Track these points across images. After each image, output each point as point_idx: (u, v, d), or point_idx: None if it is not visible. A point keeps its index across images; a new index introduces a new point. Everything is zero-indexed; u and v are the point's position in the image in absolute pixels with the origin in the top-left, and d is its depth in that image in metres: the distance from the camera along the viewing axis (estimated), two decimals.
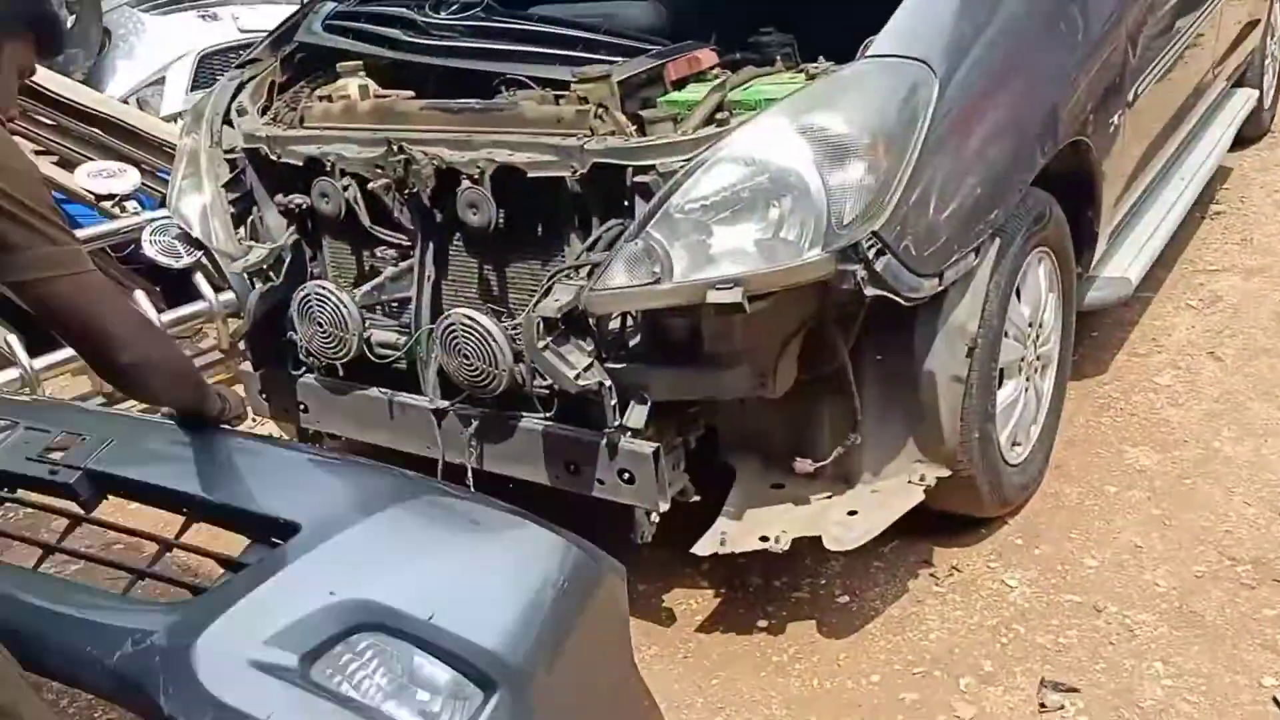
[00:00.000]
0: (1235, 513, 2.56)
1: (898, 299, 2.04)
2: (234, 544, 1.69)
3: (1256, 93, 4.39)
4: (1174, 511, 2.58)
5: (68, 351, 3.54)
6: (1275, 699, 2.06)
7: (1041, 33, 2.46)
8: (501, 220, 2.31)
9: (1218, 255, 3.79)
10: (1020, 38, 2.36)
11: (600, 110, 2.25)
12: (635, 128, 2.29)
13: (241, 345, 2.83)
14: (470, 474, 2.38)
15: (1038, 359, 2.63)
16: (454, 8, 2.78)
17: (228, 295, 3.47)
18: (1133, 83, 2.80)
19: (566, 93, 2.34)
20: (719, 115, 2.26)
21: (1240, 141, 4.37)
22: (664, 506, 2.22)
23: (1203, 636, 2.23)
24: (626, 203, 2.19)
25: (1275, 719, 2.03)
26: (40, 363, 3.43)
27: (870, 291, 1.98)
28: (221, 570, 1.66)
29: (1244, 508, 2.57)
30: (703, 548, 2.26)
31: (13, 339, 3.47)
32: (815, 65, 2.38)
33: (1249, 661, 2.16)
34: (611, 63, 2.47)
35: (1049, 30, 2.48)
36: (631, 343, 2.22)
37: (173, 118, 4.82)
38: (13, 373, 3.38)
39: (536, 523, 1.66)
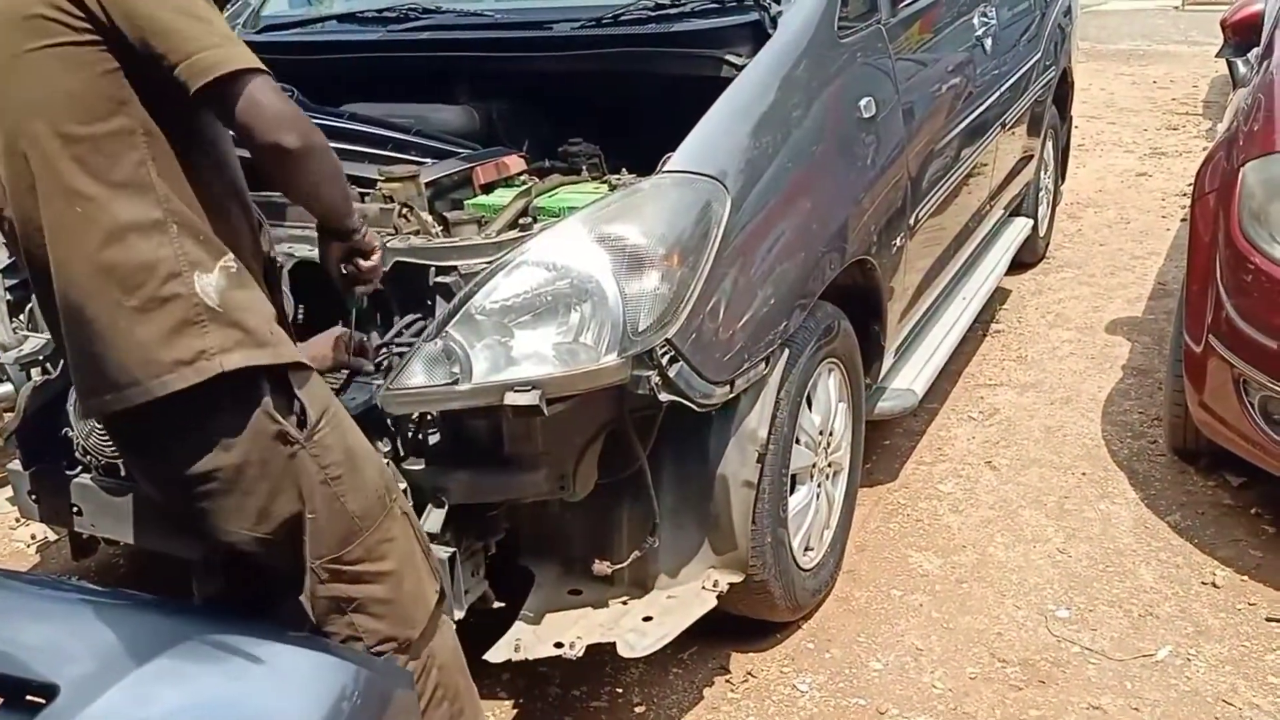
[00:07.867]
0: (1006, 615, 2.69)
1: (690, 405, 2.09)
2: None
3: (1032, 221, 4.75)
4: (952, 615, 2.70)
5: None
6: None
7: (832, 156, 2.58)
8: (300, 316, 2.27)
9: (996, 371, 4.04)
10: (811, 160, 2.48)
11: (405, 209, 2.26)
12: (440, 228, 2.30)
13: (12, 442, 2.65)
14: None
15: (829, 466, 2.71)
16: None
17: (6, 388, 3.27)
18: (914, 208, 2.98)
19: (372, 191, 2.34)
20: (523, 220, 2.30)
21: (1018, 265, 4.70)
22: (459, 614, 2.17)
23: None
24: (429, 302, 2.19)
25: None
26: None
27: (664, 397, 2.03)
28: None
29: (1014, 610, 2.70)
30: (497, 654, 2.21)
31: None
32: (618, 176, 2.46)
33: None
34: (420, 163, 2.49)
35: (839, 155, 2.61)
36: (430, 444, 2.19)
37: None
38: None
39: (321, 648, 1.58)
